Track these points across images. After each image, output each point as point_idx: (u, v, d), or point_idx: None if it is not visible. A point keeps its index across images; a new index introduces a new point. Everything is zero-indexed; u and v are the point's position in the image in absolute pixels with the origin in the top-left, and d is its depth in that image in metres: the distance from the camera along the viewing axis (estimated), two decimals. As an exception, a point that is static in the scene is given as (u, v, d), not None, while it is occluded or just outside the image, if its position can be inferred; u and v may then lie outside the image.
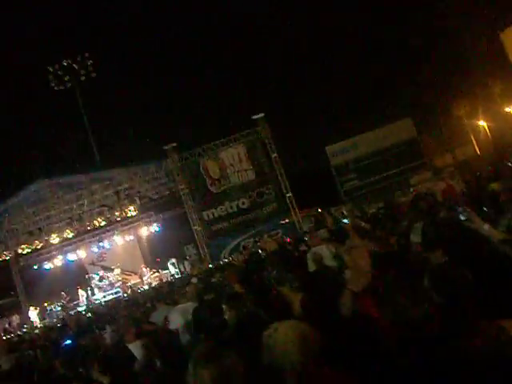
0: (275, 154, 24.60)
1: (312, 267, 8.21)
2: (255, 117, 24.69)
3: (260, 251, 16.79)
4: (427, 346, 2.70)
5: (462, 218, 4.45)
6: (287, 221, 24.79)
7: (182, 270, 25.51)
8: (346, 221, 12.10)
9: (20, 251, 26.92)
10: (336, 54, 34.50)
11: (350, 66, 33.77)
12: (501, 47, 27.32)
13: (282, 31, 37.12)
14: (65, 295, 26.27)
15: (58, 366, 5.33)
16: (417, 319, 2.98)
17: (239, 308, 5.62)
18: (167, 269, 26.03)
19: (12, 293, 29.71)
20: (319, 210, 25.18)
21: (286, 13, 36.93)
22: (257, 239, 23.81)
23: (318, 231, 11.16)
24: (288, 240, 18.54)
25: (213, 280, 11.08)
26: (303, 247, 10.55)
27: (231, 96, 35.91)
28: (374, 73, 32.25)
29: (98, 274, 27.18)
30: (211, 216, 24.84)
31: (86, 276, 28.38)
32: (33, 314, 26.50)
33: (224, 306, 5.66)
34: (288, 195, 24.58)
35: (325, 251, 8.46)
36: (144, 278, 25.81)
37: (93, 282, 27.10)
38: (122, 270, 27.01)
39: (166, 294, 12.44)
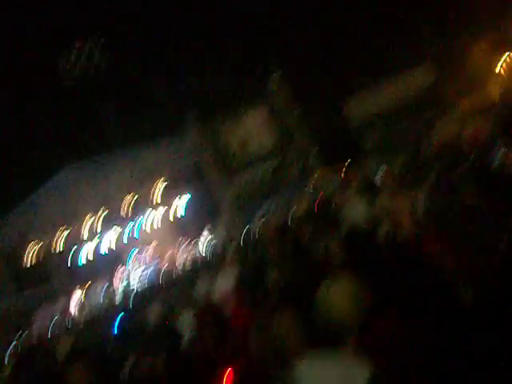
0: (296, 113, 24.44)
1: (346, 225, 8.26)
2: (271, 77, 24.50)
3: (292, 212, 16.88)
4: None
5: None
6: (314, 181, 24.73)
7: (217, 238, 25.73)
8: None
9: (57, 237, 27.35)
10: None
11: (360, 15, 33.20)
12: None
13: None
14: (108, 275, 26.81)
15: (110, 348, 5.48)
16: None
17: (284, 268, 5.74)
18: (201, 239, 26.28)
19: (51, 280, 30.29)
20: (344, 165, 25.15)
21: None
22: (286, 200, 23.85)
23: (347, 188, 11.17)
24: (317, 201, 18.60)
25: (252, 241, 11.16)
26: (334, 206, 10.55)
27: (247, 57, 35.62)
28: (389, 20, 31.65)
29: (133, 252, 27.56)
30: (237, 183, 24.92)
31: (124, 255, 28.86)
32: (75, 298, 27.03)
33: (268, 268, 5.78)
34: (312, 154, 24.48)
35: (357, 206, 8.48)
36: (180, 250, 26.11)
37: (131, 259, 27.51)
38: (157, 244, 27.35)
39: (206, 262, 12.61)
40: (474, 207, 3.63)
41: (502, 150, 4.52)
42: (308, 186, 24.45)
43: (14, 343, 16.41)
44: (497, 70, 27.32)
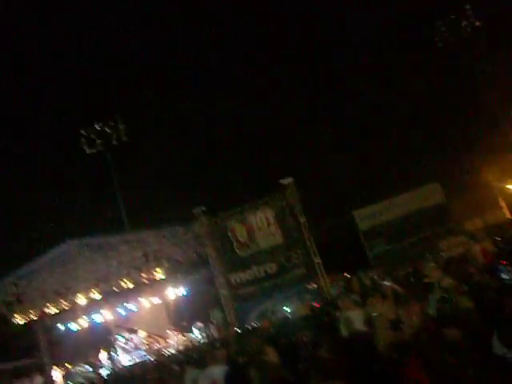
0: (304, 219, 24.53)
1: (344, 331, 8.14)
2: (283, 181, 24.82)
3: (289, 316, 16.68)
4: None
5: (506, 276, 4.43)
6: (315, 286, 24.52)
7: (208, 333, 25.25)
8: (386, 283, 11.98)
9: (46, 311, 26.86)
10: (361, 118, 35.00)
11: (375, 131, 34.18)
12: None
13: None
14: (92, 357, 26.20)
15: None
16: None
17: (269, 372, 5.57)
18: (193, 332, 25.80)
19: (36, 353, 29.66)
20: (347, 275, 25.02)
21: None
22: (286, 304, 23.57)
23: (348, 296, 11.10)
24: (317, 305, 18.41)
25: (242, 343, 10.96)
26: (335, 312, 10.45)
27: (259, 160, 36.41)
28: (401, 137, 32.56)
29: (123, 337, 27.00)
30: (238, 280, 24.67)
31: (112, 338, 28.28)
32: (56, 375, 26.39)
33: (253, 371, 5.61)
34: (317, 261, 24.35)
35: (356, 315, 8.42)
36: (170, 342, 25.59)
37: (118, 344, 26.92)
38: (148, 332, 26.82)
39: (194, 357, 12.31)
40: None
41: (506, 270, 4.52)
42: (307, 292, 24.25)
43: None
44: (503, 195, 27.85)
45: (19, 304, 26.08)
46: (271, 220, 24.64)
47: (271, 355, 6.62)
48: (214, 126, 40.90)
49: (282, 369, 5.63)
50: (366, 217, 28.85)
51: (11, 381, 26.70)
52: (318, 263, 24.27)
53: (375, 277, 20.19)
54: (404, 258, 25.49)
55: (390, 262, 25.78)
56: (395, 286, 9.57)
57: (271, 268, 24.38)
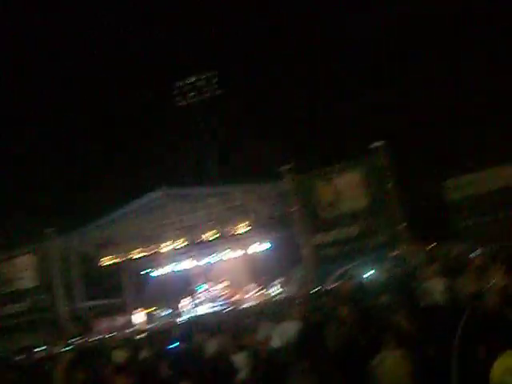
0: (391, 184, 24.02)
1: (423, 301, 7.96)
2: (374, 145, 24.28)
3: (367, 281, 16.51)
4: None
5: None
6: (397, 253, 24.04)
7: (287, 291, 25.42)
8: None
9: (132, 255, 27.92)
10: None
11: (479, 97, 32.66)
12: None
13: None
14: (173, 303, 27.10)
15: (164, 367, 5.46)
16: None
17: (343, 333, 5.53)
18: (271, 288, 26.07)
19: (121, 294, 31.05)
20: (431, 245, 24.37)
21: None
22: (365, 268, 23.26)
23: (430, 265, 10.82)
24: (397, 272, 18.09)
25: (319, 303, 10.94)
26: (415, 281, 10.22)
27: (351, 122, 35.75)
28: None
29: (203, 286, 27.68)
30: (321, 241, 24.58)
31: (192, 287, 29.10)
32: (138, 316, 27.50)
33: (327, 329, 5.59)
34: (400, 228, 23.85)
35: (437, 286, 8.20)
36: (248, 295, 25.99)
37: (198, 293, 27.64)
38: (227, 284, 27.35)
39: (270, 311, 12.43)
40: None
41: None
42: (388, 258, 23.81)
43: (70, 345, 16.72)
44: None
45: (108, 246, 27.21)
46: (358, 183, 24.25)
47: (346, 316, 6.58)
48: (308, 84, 40.38)
49: (354, 330, 5.57)
50: (457, 187, 27.82)
51: (98, 318, 28.13)
52: (402, 230, 23.76)
53: (461, 249, 19.51)
54: (493, 232, 24.51)
55: (478, 236, 24.86)
56: (482, 259, 9.21)
57: (354, 231, 24.09)
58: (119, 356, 7.32)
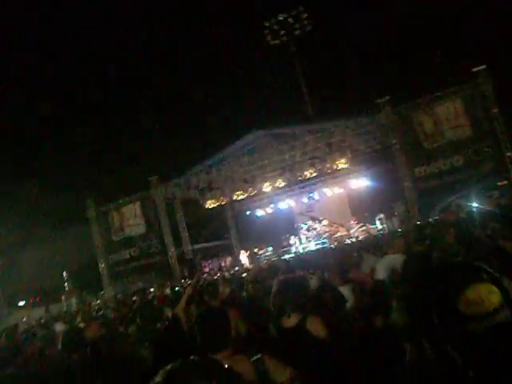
0: (496, 110, 22.76)
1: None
2: (476, 69, 23.02)
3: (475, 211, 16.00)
4: None
5: None
6: (505, 182, 23.01)
7: (390, 225, 25.19)
8: None
9: (235, 197, 28.46)
10: None
11: None
12: None
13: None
14: (276, 241, 27.65)
15: (268, 301, 5.56)
16: None
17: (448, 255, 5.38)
18: (374, 224, 25.90)
19: (226, 236, 31.98)
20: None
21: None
22: (472, 199, 22.47)
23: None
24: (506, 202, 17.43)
25: (423, 234, 10.74)
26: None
27: (451, 46, 34.11)
28: None
29: (306, 224, 27.91)
30: (423, 172, 23.85)
31: (295, 225, 29.47)
32: (243, 256, 28.30)
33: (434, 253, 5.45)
34: (508, 154, 22.71)
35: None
36: (351, 231, 25.97)
37: (301, 231, 27.93)
38: (329, 221, 27.40)
39: (373, 245, 12.35)
40: None
41: None
42: (496, 188, 22.90)
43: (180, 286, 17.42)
44: None
45: (210, 190, 27.85)
46: (460, 111, 23.17)
47: (452, 239, 6.40)
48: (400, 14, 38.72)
49: (460, 254, 5.40)
50: None
51: (205, 260, 29.20)
52: (510, 157, 22.63)
53: None
54: None
55: None
56: None
57: (458, 161, 23.16)
58: (225, 292, 7.57)
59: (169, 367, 1.62)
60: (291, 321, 4.36)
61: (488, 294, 1.91)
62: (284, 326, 4.38)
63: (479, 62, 23.26)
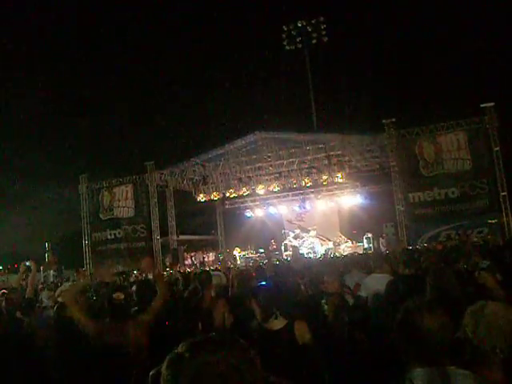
0: (498, 148, 22.91)
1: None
2: (484, 105, 23.13)
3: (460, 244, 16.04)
4: None
5: None
6: (496, 221, 23.09)
7: (376, 246, 25.26)
8: None
9: (227, 195, 28.47)
10: None
11: None
12: None
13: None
14: (263, 245, 27.65)
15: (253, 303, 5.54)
16: None
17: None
18: (361, 242, 25.97)
19: (213, 231, 31.99)
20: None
21: None
22: (459, 232, 22.56)
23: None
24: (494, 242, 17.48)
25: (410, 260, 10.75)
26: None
27: (459, 81, 34.30)
28: None
29: (294, 232, 27.95)
30: (417, 199, 23.93)
31: (282, 231, 29.48)
32: (228, 254, 28.25)
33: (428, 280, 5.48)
34: (503, 194, 22.84)
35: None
36: (338, 246, 26.03)
37: (287, 238, 27.97)
38: (317, 233, 27.46)
39: (359, 262, 12.36)
40: None
41: None
42: (486, 225, 22.95)
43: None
44: None
45: (204, 184, 27.80)
46: (462, 144, 23.27)
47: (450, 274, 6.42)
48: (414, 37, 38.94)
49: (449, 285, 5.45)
50: None
51: (188, 252, 29.14)
52: (504, 197, 22.75)
53: None
54: None
55: None
56: None
57: (453, 193, 23.26)
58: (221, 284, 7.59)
59: (192, 340, 1.59)
60: (278, 323, 4.37)
61: None
62: (269, 328, 4.39)
63: (488, 99, 23.40)
